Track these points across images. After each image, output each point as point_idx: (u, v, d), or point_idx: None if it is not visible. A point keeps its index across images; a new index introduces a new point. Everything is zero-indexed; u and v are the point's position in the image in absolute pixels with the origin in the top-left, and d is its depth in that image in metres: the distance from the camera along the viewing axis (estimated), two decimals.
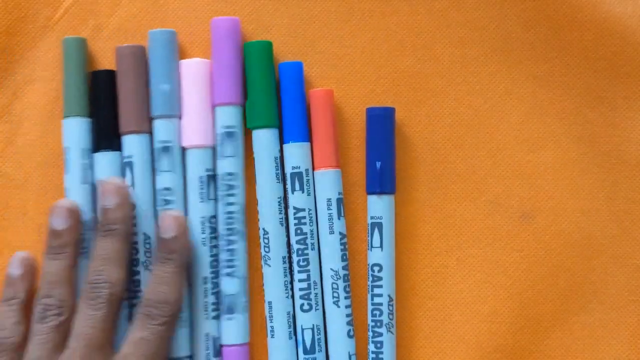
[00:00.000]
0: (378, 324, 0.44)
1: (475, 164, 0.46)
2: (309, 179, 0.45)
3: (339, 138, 0.46)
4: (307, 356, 0.44)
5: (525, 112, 0.46)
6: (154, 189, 0.44)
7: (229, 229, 0.44)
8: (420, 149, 0.46)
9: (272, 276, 0.44)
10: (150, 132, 0.44)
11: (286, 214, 0.45)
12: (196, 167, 0.44)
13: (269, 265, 0.44)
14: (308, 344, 0.44)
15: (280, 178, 0.45)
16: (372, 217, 0.45)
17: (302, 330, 0.44)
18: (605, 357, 0.46)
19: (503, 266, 0.46)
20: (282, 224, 0.44)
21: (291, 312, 0.45)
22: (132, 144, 0.44)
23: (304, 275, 0.44)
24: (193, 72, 0.44)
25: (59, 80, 0.46)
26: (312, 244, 0.44)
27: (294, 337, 0.44)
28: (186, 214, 0.44)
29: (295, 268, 0.44)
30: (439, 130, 0.46)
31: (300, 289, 0.44)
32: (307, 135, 0.45)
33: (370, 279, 0.44)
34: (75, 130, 0.44)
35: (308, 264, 0.44)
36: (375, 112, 0.45)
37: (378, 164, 0.44)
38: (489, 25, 0.46)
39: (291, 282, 0.45)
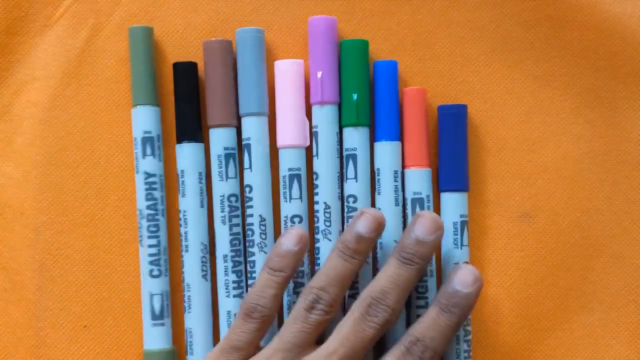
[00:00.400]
0: (468, 322, 0.45)
1: (475, 164, 0.46)
2: (397, 179, 0.45)
3: (430, 137, 0.46)
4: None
5: (526, 111, 0.46)
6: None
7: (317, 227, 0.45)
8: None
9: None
10: (237, 127, 0.45)
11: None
12: (284, 166, 0.45)
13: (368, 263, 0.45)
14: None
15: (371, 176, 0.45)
16: (462, 215, 0.45)
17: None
18: (605, 357, 0.46)
19: (503, 266, 0.46)
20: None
21: None
22: (227, 136, 0.44)
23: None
24: (288, 72, 0.45)
25: (58, 79, 0.46)
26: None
27: None
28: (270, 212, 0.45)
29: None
30: None
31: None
32: (399, 134, 0.45)
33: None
34: (145, 119, 0.44)
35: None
36: (447, 110, 0.45)
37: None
38: (489, 25, 0.46)
39: None
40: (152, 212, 0.44)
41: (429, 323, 0.40)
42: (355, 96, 0.44)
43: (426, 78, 0.46)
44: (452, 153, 0.45)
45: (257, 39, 0.44)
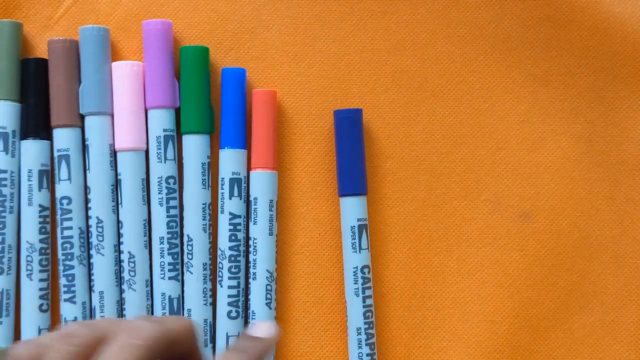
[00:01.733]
0: (371, 325, 0.44)
1: (475, 163, 0.46)
2: (245, 186, 0.45)
3: (277, 140, 0.45)
4: None
5: (525, 111, 0.46)
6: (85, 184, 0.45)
7: (170, 232, 0.44)
8: (420, 148, 0.46)
9: (193, 283, 0.44)
10: (81, 127, 0.45)
11: (214, 219, 0.45)
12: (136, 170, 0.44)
13: (191, 273, 0.44)
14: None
15: (207, 185, 0.45)
16: (359, 219, 0.44)
17: (228, 337, 0.44)
18: (605, 357, 0.46)
19: (503, 266, 0.46)
20: (205, 231, 0.44)
21: (209, 320, 0.44)
22: (66, 137, 0.44)
23: (234, 282, 0.44)
24: (124, 74, 0.44)
25: None
26: (244, 251, 0.44)
27: (210, 345, 0.44)
28: (126, 216, 0.44)
29: (226, 275, 0.44)
30: (438, 130, 0.46)
31: (230, 296, 0.44)
32: (243, 142, 0.45)
33: (361, 281, 0.44)
34: (4, 114, 0.44)
35: (239, 270, 0.44)
36: (342, 115, 0.45)
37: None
38: (488, 25, 0.46)
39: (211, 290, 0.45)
40: None
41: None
42: (193, 103, 0.44)
43: (425, 78, 0.46)
44: (349, 157, 0.45)
45: (99, 37, 0.44)
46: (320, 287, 0.46)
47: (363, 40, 0.46)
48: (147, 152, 0.45)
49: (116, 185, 0.44)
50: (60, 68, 0.44)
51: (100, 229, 0.44)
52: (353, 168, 0.45)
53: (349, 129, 0.45)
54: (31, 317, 0.44)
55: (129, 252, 0.44)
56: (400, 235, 0.46)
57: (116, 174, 0.44)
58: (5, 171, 0.44)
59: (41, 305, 0.44)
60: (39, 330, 0.44)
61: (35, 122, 0.44)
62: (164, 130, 0.44)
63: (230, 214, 0.44)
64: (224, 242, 0.44)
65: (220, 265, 0.44)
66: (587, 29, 0.46)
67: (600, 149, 0.46)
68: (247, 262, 0.45)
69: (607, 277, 0.46)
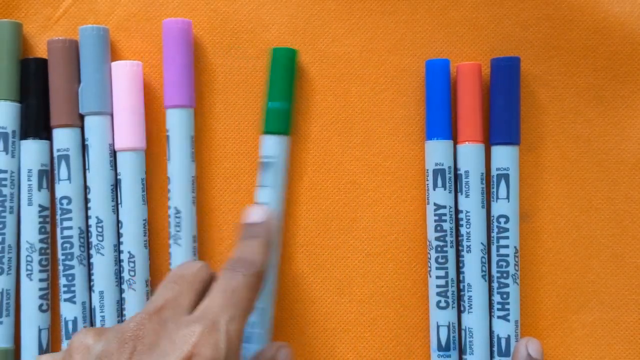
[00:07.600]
0: (504, 275, 0.44)
1: None
2: (450, 177, 0.45)
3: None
4: (441, 353, 0.44)
5: (525, 111, 0.46)
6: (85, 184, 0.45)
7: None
8: (420, 147, 0.46)
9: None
10: (81, 127, 0.45)
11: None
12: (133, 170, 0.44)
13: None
14: (443, 341, 0.44)
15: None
16: (497, 169, 0.45)
17: (438, 327, 0.45)
18: (605, 356, 0.46)
19: None
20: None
21: None
22: (66, 137, 0.44)
23: (442, 272, 0.44)
24: (124, 73, 0.44)
25: None
26: (452, 241, 0.45)
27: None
28: (126, 216, 0.44)
29: (434, 265, 0.44)
30: None
31: (438, 286, 0.45)
32: (450, 133, 0.45)
33: (496, 230, 0.45)
34: (4, 114, 0.44)
35: (446, 261, 0.44)
36: (500, 63, 0.45)
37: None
38: (488, 24, 0.46)
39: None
40: None
41: (241, 247, 0.40)
42: (274, 104, 0.45)
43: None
44: (503, 106, 0.45)
45: (98, 37, 0.44)
46: None
47: (363, 39, 0.46)
48: (147, 151, 0.45)
49: (116, 185, 0.44)
50: (60, 68, 0.44)
51: (100, 229, 0.44)
52: (509, 116, 0.45)
53: (508, 77, 0.45)
54: (31, 317, 0.44)
55: (129, 252, 0.44)
56: (399, 236, 0.46)
57: (116, 174, 0.44)
58: (5, 171, 0.44)
59: (41, 305, 0.44)
60: (39, 330, 0.44)
61: (35, 122, 0.44)
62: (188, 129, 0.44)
63: (435, 204, 0.45)
64: (431, 233, 0.45)
65: (429, 256, 0.45)
66: (586, 28, 0.46)
67: (599, 149, 0.46)
68: (458, 242, 0.45)
69: (606, 276, 0.46)
